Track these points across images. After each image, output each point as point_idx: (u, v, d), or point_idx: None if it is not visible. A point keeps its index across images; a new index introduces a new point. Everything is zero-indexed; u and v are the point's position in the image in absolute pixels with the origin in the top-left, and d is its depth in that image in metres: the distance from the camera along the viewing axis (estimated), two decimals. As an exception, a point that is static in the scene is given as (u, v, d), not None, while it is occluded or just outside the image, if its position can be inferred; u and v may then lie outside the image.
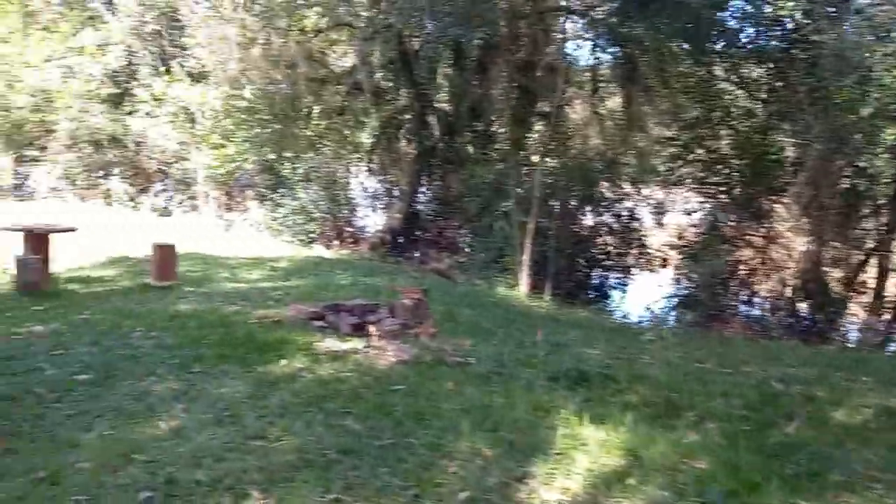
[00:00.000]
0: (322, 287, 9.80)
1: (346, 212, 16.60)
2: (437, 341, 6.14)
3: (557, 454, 4.12)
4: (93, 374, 5.47)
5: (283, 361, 5.86)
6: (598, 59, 14.26)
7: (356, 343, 6.57)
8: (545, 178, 13.47)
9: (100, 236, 14.16)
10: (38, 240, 8.86)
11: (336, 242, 15.64)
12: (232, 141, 16.44)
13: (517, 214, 10.24)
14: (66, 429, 4.42)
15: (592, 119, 14.50)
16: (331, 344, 6.39)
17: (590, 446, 4.22)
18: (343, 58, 15.21)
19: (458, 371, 5.75)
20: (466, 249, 13.42)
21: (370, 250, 14.90)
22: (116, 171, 21.63)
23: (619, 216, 13.13)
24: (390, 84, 14.60)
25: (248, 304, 8.38)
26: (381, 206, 16.68)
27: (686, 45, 12.07)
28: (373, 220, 17.19)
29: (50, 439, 4.24)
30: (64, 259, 10.90)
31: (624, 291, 13.48)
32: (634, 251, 13.15)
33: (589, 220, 12.57)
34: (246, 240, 15.70)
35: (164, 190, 22.55)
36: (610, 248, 13.06)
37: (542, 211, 11.61)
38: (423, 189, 15.37)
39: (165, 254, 9.21)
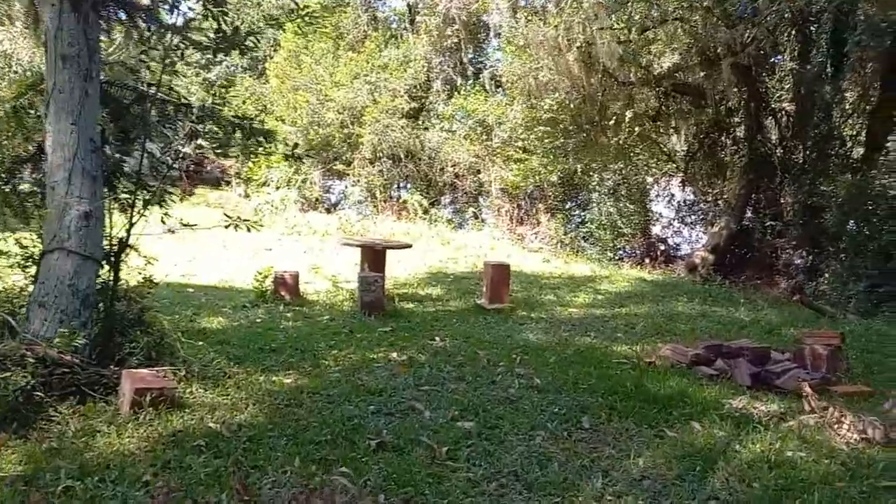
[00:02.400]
0: (669, 317, 8.48)
1: (658, 227, 15.16)
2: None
3: None
4: (474, 420, 4.69)
5: (697, 426, 4.62)
6: None
7: (776, 403, 5.13)
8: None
9: (409, 250, 14.15)
10: (376, 256, 8.60)
11: (647, 261, 14.24)
12: (532, 153, 15.78)
13: None
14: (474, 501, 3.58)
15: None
16: (746, 404, 5.02)
17: None
18: (660, 58, 13.77)
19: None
20: (826, 276, 11.23)
21: (688, 272, 13.27)
22: (411, 184, 22.16)
23: None
24: (716, 85, 12.84)
25: (598, 337, 7.32)
26: (701, 222, 14.95)
27: None
28: (687, 238, 15.53)
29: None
30: (388, 275, 10.74)
31: None
32: None
33: None
34: (545, 256, 14.86)
35: (455, 203, 22.73)
36: None
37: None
38: (753, 203, 13.36)
39: (499, 275, 8.50)
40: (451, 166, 20.59)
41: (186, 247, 12.79)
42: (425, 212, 20.50)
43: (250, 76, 25.80)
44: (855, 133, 13.44)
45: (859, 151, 13.39)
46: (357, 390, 5.17)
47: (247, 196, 24.02)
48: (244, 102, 25.81)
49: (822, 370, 5.75)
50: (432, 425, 4.58)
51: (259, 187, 23.08)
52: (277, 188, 22.15)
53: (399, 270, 11.36)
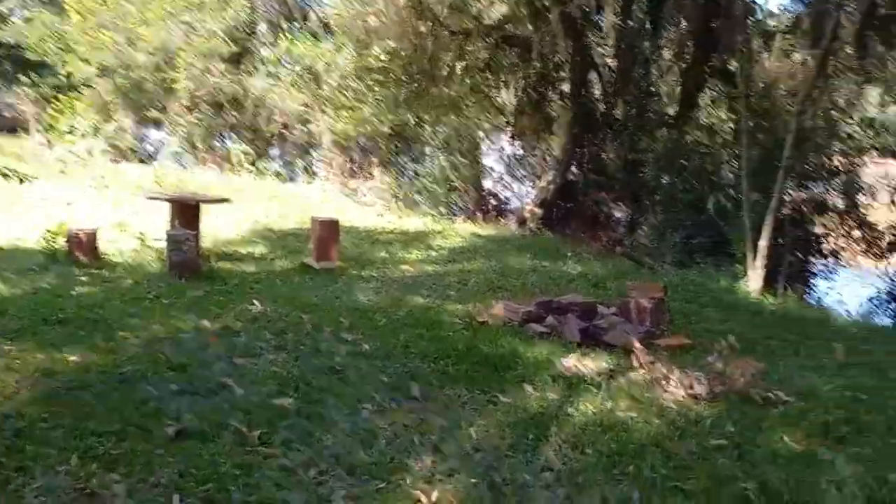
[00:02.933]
0: (501, 273, 8.38)
1: (489, 182, 15.13)
2: (720, 362, 4.56)
3: None
4: (293, 396, 4.22)
5: (530, 389, 4.44)
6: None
7: (605, 359, 5.08)
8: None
9: (231, 204, 13.19)
10: (188, 211, 7.77)
11: (479, 215, 14.21)
12: (363, 103, 15.16)
13: (744, 191, 8.40)
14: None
15: (784, 78, 12.41)
16: (577, 362, 4.92)
17: None
18: (490, 7, 13.57)
19: (778, 414, 4.18)
20: (644, 228, 11.68)
21: (519, 225, 13.38)
22: (235, 134, 20.85)
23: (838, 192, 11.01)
24: (544, 38, 12.85)
25: (432, 296, 7.04)
26: (530, 176, 15.08)
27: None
28: (517, 192, 15.64)
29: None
30: (205, 232, 9.87)
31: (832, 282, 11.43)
32: (857, 234, 11.09)
33: (797, 196, 10.60)
34: (379, 210, 14.44)
35: (284, 155, 21.68)
36: (825, 230, 11.04)
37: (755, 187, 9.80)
38: (578, 158, 13.61)
39: (328, 231, 7.97)
40: (279, 115, 19.50)
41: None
42: (252, 164, 19.34)
43: (49, 11, 22.98)
44: (670, 90, 14.05)
45: (675, 108, 14.03)
46: (157, 367, 4.50)
47: (49, 144, 21.53)
48: (42, 41, 23.02)
49: (647, 323, 5.81)
50: (245, 405, 4.05)
51: (62, 136, 20.72)
52: (83, 136, 20.00)
53: (219, 228, 10.48)
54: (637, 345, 4.90)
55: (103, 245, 8.79)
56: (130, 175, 16.02)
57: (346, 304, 6.50)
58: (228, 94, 19.59)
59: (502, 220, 13.95)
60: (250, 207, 13.01)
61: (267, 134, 20.23)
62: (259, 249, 9.07)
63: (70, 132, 20.38)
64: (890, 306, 11.48)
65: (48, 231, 7.60)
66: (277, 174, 18.42)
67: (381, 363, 4.87)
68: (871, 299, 11.35)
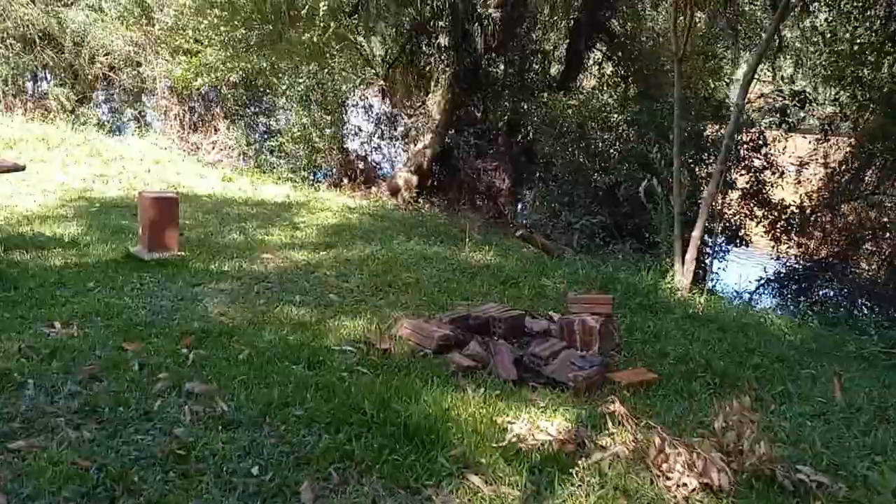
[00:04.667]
0: (388, 263, 6.84)
1: (356, 143, 13.31)
2: (730, 429, 3.35)
3: None
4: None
5: (477, 481, 3.03)
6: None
7: (563, 413, 3.74)
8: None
9: (40, 163, 10.67)
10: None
11: (345, 182, 12.49)
12: (206, 45, 12.84)
13: (674, 170, 7.28)
14: None
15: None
16: (531, 427, 3.54)
17: None
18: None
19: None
20: (533, 202, 10.49)
21: (391, 194, 11.83)
22: (50, 76, 17.65)
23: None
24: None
25: (308, 303, 5.39)
26: (402, 139, 13.42)
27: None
28: (387, 156, 13.96)
29: None
30: (-4, 204, 7.60)
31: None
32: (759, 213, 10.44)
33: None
34: (227, 173, 12.37)
35: (110, 101, 18.68)
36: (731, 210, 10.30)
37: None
38: (456, 120, 12.14)
39: (163, 212, 6.05)
40: (104, 55, 16.54)
41: None
42: (72, 111, 16.34)
43: None
44: (553, 48, 12.90)
45: (558, 68, 12.92)
46: None
47: None
48: None
49: (595, 347, 4.55)
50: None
51: None
52: None
53: (16, 198, 8.17)
54: (616, 405, 3.57)
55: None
56: None
57: (190, 320, 4.74)
58: (40, 27, 16.35)
59: (373, 188, 12.32)
60: (63, 168, 10.59)
61: (90, 77, 17.20)
62: (70, 230, 6.95)
63: None
64: (773, 288, 11.12)
65: None
66: (100, 124, 15.64)
67: (247, 437, 3.26)
68: (759, 280, 10.92)
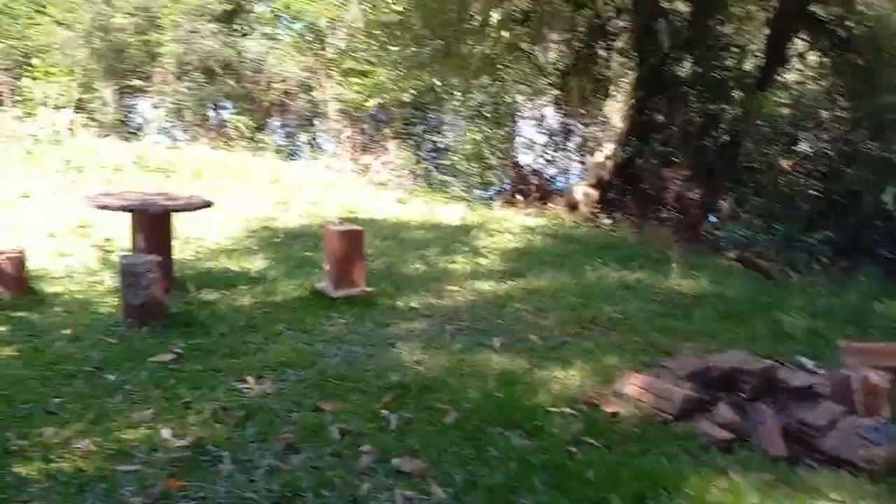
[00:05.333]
0: (584, 294, 6.13)
1: (529, 157, 12.75)
2: None
3: None
4: None
5: None
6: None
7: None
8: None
9: (224, 192, 10.92)
10: (155, 224, 5.50)
11: (519, 198, 11.92)
12: (376, 66, 12.76)
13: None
14: None
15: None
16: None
17: None
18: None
19: None
20: (732, 215, 9.37)
21: (569, 209, 11.10)
22: (231, 104, 18.47)
23: None
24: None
25: (509, 349, 4.78)
26: (579, 150, 12.67)
27: None
28: (562, 168, 13.22)
29: None
30: (184, 239, 7.64)
31: None
32: None
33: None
34: (399, 194, 12.14)
35: (285, 127, 19.30)
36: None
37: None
38: (640, 127, 11.18)
39: (349, 247, 5.70)
40: (279, 82, 17.07)
41: None
42: (250, 138, 16.98)
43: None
44: (749, 42, 11.60)
45: (754, 63, 11.60)
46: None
47: (28, 116, 19.18)
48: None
49: (883, 413, 3.58)
50: None
51: (35, 108, 18.36)
52: (57, 108, 17.62)
53: (203, 230, 8.24)
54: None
55: (50, 262, 6.60)
56: (109, 155, 13.69)
57: (385, 371, 4.27)
58: (221, 58, 17.16)
59: (549, 203, 11.63)
60: (245, 196, 10.75)
61: (265, 104, 17.84)
62: (256, 264, 6.82)
63: (44, 104, 18.02)
64: None
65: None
66: (278, 150, 16.07)
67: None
68: None
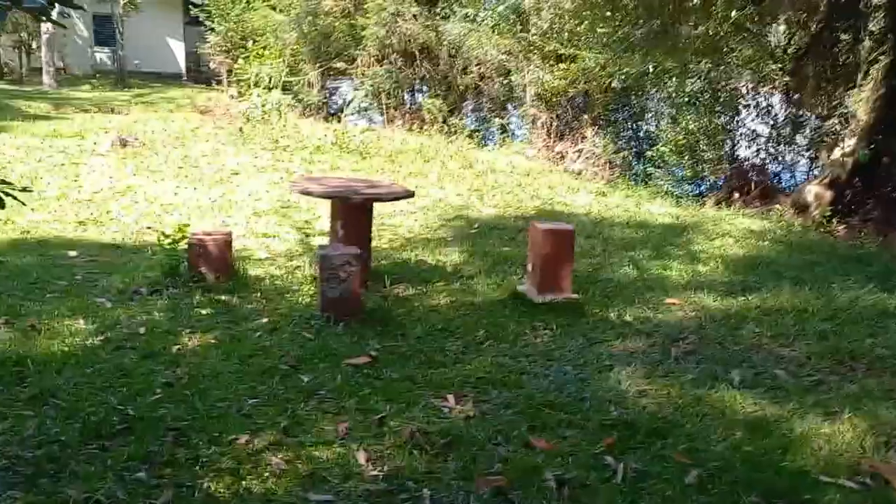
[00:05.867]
0: (838, 319, 5.11)
1: (749, 150, 11.46)
2: None
3: None
4: None
5: None
6: None
7: None
8: None
9: (419, 177, 10.74)
10: (355, 215, 5.23)
11: (736, 197, 10.71)
12: (584, 49, 11.99)
13: None
14: None
15: None
16: None
17: None
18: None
19: None
20: None
21: (797, 212, 9.76)
22: (426, 87, 18.49)
23: None
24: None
25: (754, 390, 3.95)
26: (811, 145, 11.20)
27: None
28: (788, 165, 11.79)
29: None
30: (378, 228, 7.43)
31: None
32: None
33: None
34: (600, 186, 11.36)
35: (476, 111, 19.04)
36: None
37: None
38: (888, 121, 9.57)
39: (557, 247, 5.11)
40: (476, 65, 16.76)
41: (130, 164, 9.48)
42: (444, 121, 16.86)
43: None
44: None
45: None
46: None
47: (240, 96, 20.42)
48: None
49: None
50: None
51: (249, 89, 19.44)
52: (267, 89, 18.51)
53: (399, 215, 8.01)
54: None
55: (254, 243, 6.61)
56: (310, 135, 14.09)
57: (604, 402, 3.65)
58: (421, 41, 17.14)
59: (771, 204, 10.32)
60: (439, 182, 10.49)
61: (461, 88, 17.63)
62: (452, 258, 6.43)
63: (257, 84, 19.02)
64: None
65: (162, 235, 5.37)
66: (470, 135, 15.78)
67: None
68: None
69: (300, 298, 5.11)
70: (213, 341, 4.27)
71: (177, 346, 4.14)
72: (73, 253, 5.84)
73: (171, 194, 8.63)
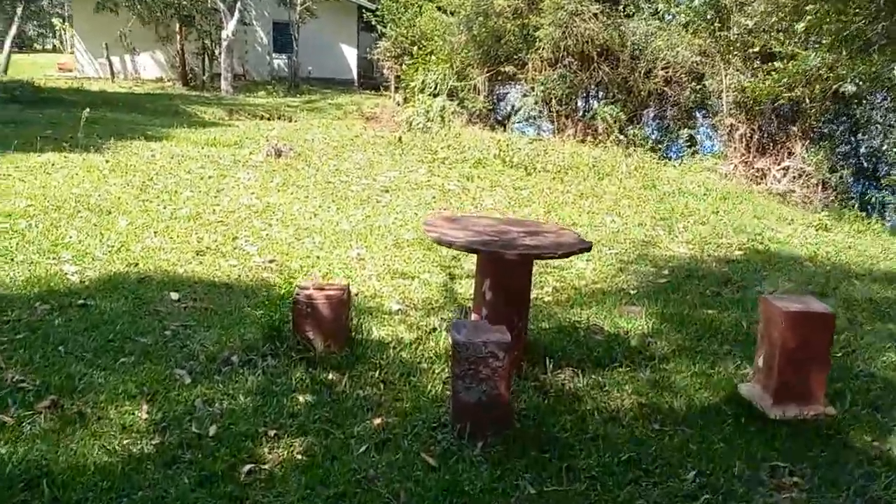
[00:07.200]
0: None
1: None
2: None
3: None
4: None
5: None
6: None
7: None
8: None
9: (591, 199, 9.16)
10: (509, 275, 3.81)
11: None
12: (802, 49, 9.85)
13: None
14: None
15: None
16: None
17: None
18: None
19: None
20: None
21: None
22: (603, 93, 16.76)
23: None
24: None
25: None
26: None
27: None
28: None
29: None
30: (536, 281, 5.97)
31: None
32: None
33: None
34: (821, 218, 9.16)
35: (658, 120, 17.03)
36: None
37: None
38: None
39: (809, 339, 3.41)
40: (663, 68, 14.81)
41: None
42: (620, 130, 15.06)
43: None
44: None
45: None
46: None
47: (406, 102, 19.74)
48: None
49: None
50: None
51: (413, 94, 18.67)
52: (433, 95, 17.58)
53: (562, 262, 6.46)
54: None
55: (386, 289, 5.40)
56: (473, 145, 12.86)
57: None
58: (600, 42, 15.43)
59: None
60: (616, 205, 8.86)
61: (642, 93, 15.74)
62: (636, 324, 4.81)
63: (422, 90, 18.17)
64: None
65: (280, 276, 4.22)
66: (653, 148, 13.90)
67: None
68: None
69: (430, 385, 3.76)
70: (299, 457, 3.03)
71: (249, 466, 2.93)
72: (174, 295, 4.90)
73: (311, 215, 7.66)
